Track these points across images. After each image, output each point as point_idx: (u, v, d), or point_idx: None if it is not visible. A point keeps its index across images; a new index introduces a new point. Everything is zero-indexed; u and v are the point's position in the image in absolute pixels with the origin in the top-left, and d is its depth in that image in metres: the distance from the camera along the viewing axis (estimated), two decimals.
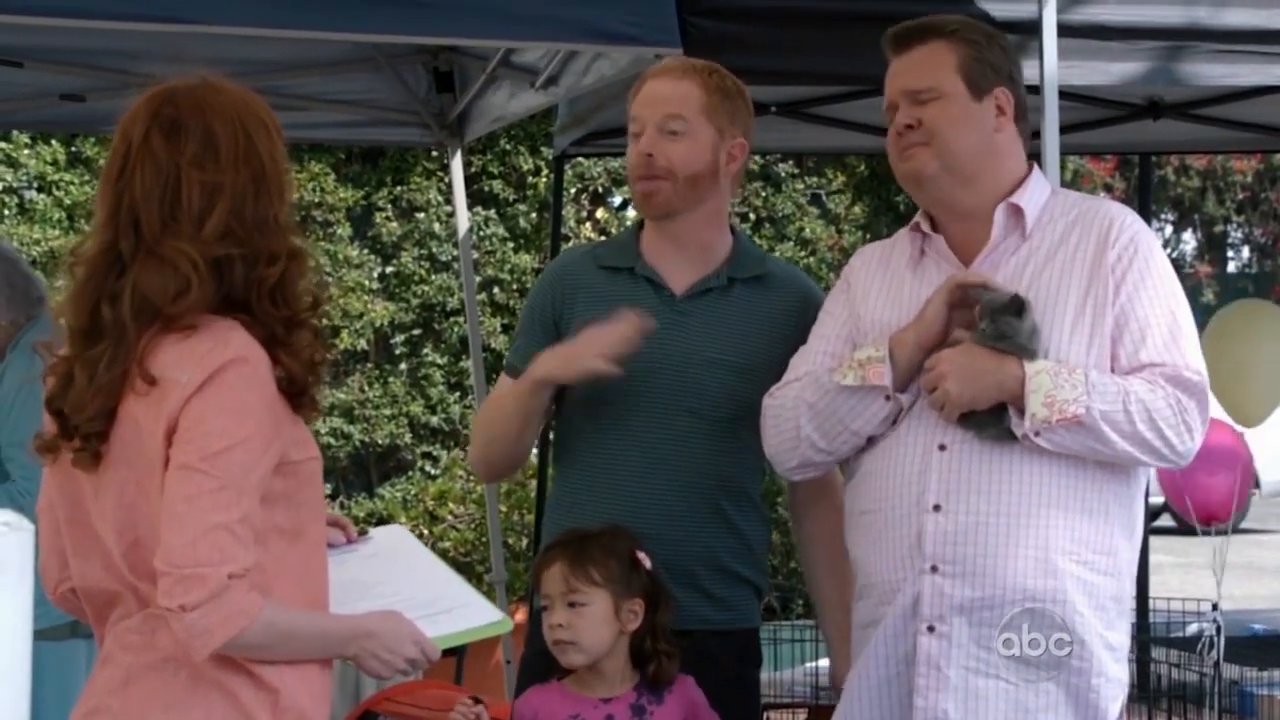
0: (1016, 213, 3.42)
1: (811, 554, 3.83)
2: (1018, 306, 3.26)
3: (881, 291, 3.51)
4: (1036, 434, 3.22)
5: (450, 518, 10.77)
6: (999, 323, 3.26)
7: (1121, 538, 3.35)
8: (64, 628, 2.90)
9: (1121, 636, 3.37)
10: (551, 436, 4.19)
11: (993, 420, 3.28)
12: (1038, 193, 3.46)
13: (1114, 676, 3.35)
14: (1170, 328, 3.31)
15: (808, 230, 13.49)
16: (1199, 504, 7.25)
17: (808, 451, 3.47)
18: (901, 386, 3.35)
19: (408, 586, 3.09)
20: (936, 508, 3.29)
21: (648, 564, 3.51)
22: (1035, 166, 3.52)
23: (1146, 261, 3.35)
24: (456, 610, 3.05)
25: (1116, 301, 3.31)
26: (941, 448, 3.32)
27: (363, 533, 3.25)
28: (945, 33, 3.45)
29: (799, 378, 3.49)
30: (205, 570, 2.57)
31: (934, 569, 3.29)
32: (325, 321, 2.89)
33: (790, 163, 13.41)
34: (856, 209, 13.86)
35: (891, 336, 3.37)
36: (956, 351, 3.29)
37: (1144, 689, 6.49)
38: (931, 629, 3.29)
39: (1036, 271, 3.37)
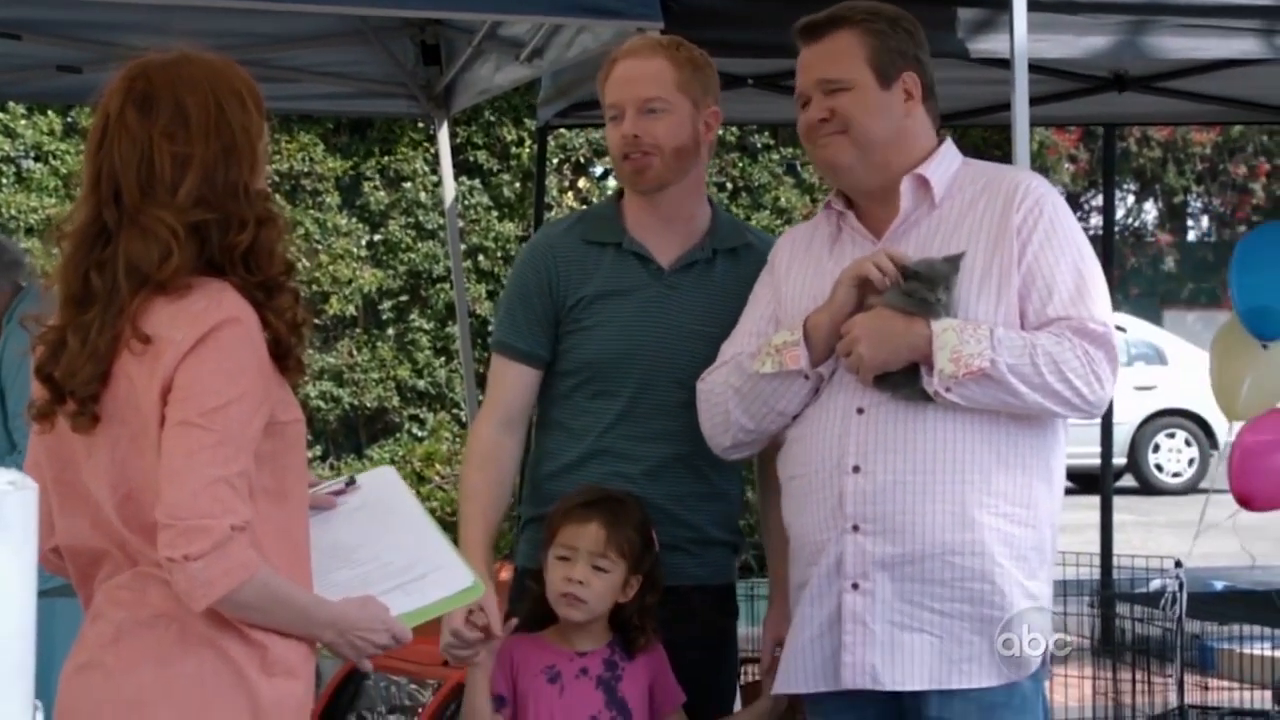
0: (923, 184, 3.42)
1: (767, 509, 3.84)
2: (951, 271, 3.28)
3: (802, 273, 3.51)
4: (947, 390, 3.23)
5: (437, 478, 10.79)
6: (953, 286, 3.28)
7: (1041, 489, 3.34)
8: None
9: (1042, 585, 3.36)
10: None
11: (907, 381, 3.29)
12: (946, 163, 3.46)
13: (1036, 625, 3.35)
14: (1076, 283, 3.31)
15: (783, 199, 13.48)
16: None
17: (738, 433, 3.50)
18: (818, 364, 3.36)
19: (386, 549, 3.05)
20: (856, 469, 3.30)
21: (657, 545, 3.54)
22: (947, 139, 3.52)
23: (1052, 221, 3.34)
24: (431, 575, 3.02)
25: (1023, 261, 3.31)
26: (860, 411, 3.32)
27: (351, 482, 3.23)
28: (853, 22, 3.44)
29: (726, 361, 3.50)
30: (209, 521, 2.56)
31: (855, 528, 3.29)
32: (314, 288, 2.89)
33: (766, 134, 13.40)
34: None
35: (806, 319, 3.38)
36: (868, 316, 3.31)
37: (1108, 643, 6.52)
38: (855, 586, 3.30)
39: (946, 238, 3.37)
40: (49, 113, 12.33)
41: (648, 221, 3.76)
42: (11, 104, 11.90)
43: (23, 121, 12.30)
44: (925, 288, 3.26)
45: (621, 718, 3.51)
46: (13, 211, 12.07)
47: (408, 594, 2.96)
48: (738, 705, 3.84)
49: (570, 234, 3.81)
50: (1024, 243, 3.31)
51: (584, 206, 11.62)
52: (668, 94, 3.68)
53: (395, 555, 3.03)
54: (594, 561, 3.47)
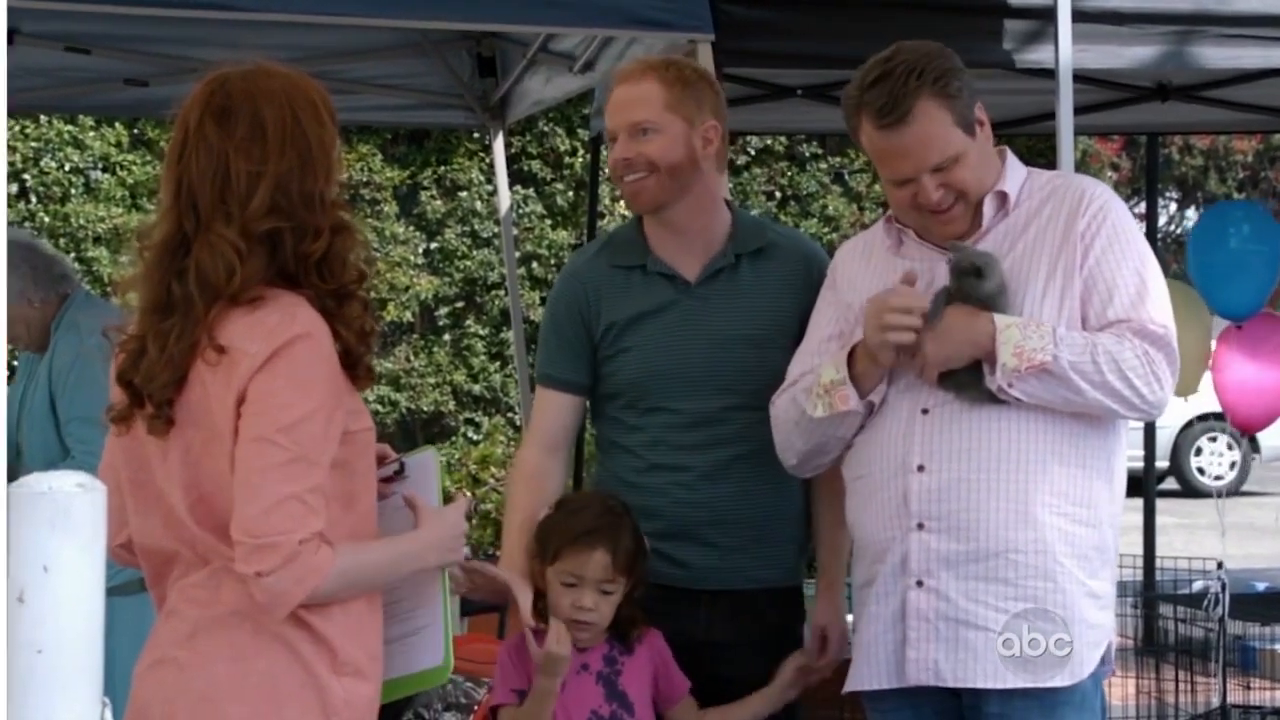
0: (1002, 198, 3.41)
1: (818, 504, 3.82)
2: (976, 270, 3.27)
3: (868, 276, 3.49)
4: (1010, 385, 3.21)
5: (492, 480, 10.80)
6: (964, 284, 3.28)
7: (1101, 488, 3.33)
8: (135, 583, 2.89)
9: (1104, 584, 3.34)
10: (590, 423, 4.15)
11: (971, 380, 3.27)
12: (1016, 174, 3.45)
13: (1095, 623, 3.31)
14: (1137, 288, 3.30)
15: (831, 208, 13.46)
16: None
17: (804, 456, 3.51)
18: (866, 395, 3.35)
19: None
20: (921, 468, 3.29)
21: (648, 545, 3.56)
22: (1006, 149, 3.47)
23: (1115, 227, 3.33)
24: (422, 631, 2.97)
25: (1085, 265, 3.30)
26: (924, 411, 3.32)
27: (400, 469, 3.15)
28: (926, 92, 3.28)
29: (794, 382, 3.49)
30: (278, 539, 2.58)
31: (920, 526, 3.28)
32: (372, 294, 2.88)
33: (814, 143, 13.37)
34: (877, 187, 13.80)
35: (852, 360, 3.35)
36: None
37: (1151, 643, 6.49)
38: (920, 583, 3.29)
39: (1013, 244, 3.37)
40: (116, 125, 12.40)
41: (667, 239, 3.75)
42: (80, 116, 11.98)
43: (91, 133, 12.38)
44: (976, 284, 3.27)
45: (623, 710, 3.52)
46: (81, 221, 12.15)
47: (404, 651, 2.93)
48: None
49: (597, 260, 3.81)
50: (1087, 247, 3.31)
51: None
52: (656, 115, 3.66)
53: (408, 589, 2.98)
54: (601, 587, 3.48)
